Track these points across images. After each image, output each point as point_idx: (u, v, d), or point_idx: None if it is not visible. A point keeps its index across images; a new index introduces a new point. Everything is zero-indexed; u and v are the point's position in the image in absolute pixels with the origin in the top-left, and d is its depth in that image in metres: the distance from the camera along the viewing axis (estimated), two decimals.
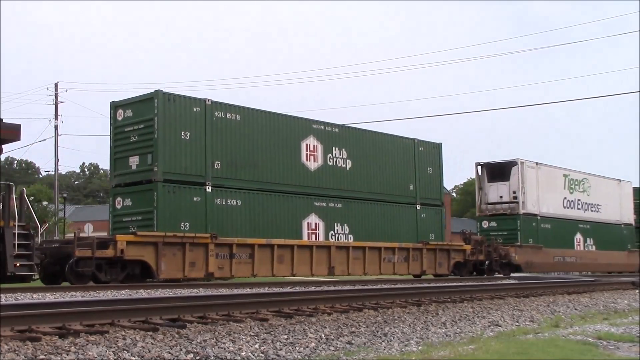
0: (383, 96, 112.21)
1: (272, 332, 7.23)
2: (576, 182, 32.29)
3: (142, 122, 17.74)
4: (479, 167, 30.08)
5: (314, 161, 21.07)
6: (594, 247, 32.63)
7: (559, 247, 30.19)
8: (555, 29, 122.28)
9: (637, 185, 37.89)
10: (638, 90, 73.40)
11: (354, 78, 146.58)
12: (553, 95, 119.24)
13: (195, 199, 17.79)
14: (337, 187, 21.58)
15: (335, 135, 21.94)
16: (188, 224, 17.47)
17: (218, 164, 18.47)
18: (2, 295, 10.95)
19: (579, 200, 32.24)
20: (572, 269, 31.35)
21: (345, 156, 21.97)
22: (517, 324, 9.56)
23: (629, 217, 35.85)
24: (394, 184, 23.55)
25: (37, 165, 79.54)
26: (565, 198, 31.31)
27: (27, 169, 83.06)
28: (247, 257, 18.37)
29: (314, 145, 21.15)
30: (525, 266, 28.06)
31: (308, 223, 20.46)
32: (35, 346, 5.73)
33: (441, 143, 25.80)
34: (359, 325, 8.21)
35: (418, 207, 23.95)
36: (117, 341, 6.15)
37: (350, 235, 21.52)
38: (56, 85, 42.46)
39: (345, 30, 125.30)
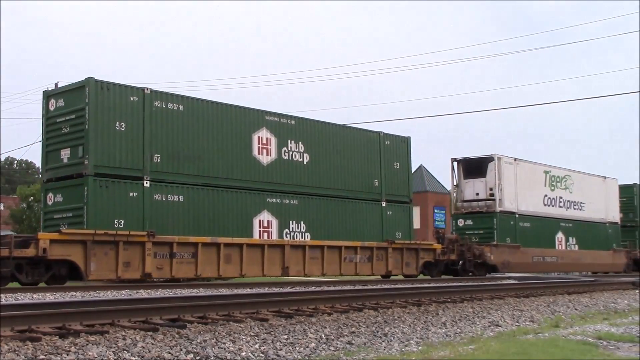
0: (383, 96, 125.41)
1: (272, 332, 8.36)
2: (558, 179, 34.93)
3: (73, 112, 18.60)
4: (455, 163, 32.29)
5: (267, 155, 22.47)
6: (576, 246, 35.45)
7: (539, 246, 32.74)
8: (555, 29, 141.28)
9: (623, 183, 41.43)
10: (638, 90, 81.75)
11: (354, 78, 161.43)
12: (553, 95, 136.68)
13: (131, 194, 18.79)
14: (292, 182, 23.05)
15: (291, 128, 23.38)
16: (123, 222, 18.45)
17: (158, 157, 19.55)
18: (2, 295, 12.11)
19: (560, 197, 34.98)
20: (552, 270, 34.22)
21: (302, 150, 23.48)
22: (517, 324, 11.07)
23: (615, 216, 39.10)
24: (357, 179, 25.24)
25: (37, 166, 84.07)
26: (546, 195, 33.90)
27: (27, 169, 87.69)
28: (189, 257, 19.52)
29: (267, 138, 22.54)
30: (501, 266, 30.34)
31: (260, 220, 21.82)
32: (35, 346, 6.63)
33: (409, 137, 27.75)
34: (359, 325, 9.48)
35: (384, 204, 25.77)
36: (117, 341, 7.11)
37: (307, 234, 23.04)
38: (56, 84, 43.69)
39: (345, 31, 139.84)
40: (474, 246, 29.23)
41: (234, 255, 20.67)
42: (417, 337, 8.93)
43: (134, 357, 6.62)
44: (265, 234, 21.93)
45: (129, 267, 18.28)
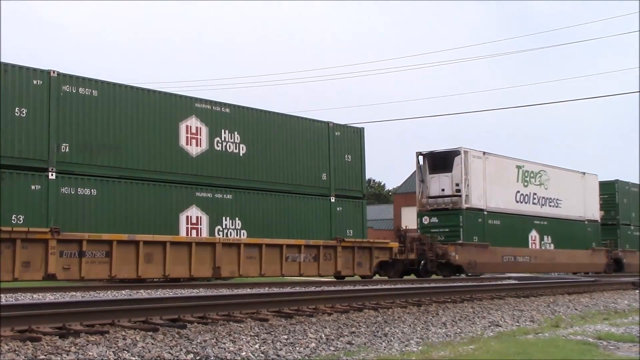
0: (383, 96, 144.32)
1: (272, 332, 9.91)
2: (532, 175, 38.46)
3: None
4: (420, 157, 35.29)
5: (197, 145, 24.17)
6: (552, 245, 39.17)
7: (511, 245, 35.97)
8: (555, 29, 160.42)
9: (604, 180, 46.00)
10: (638, 90, 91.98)
11: (354, 78, 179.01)
12: (553, 95, 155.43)
13: (33, 187, 20.05)
14: (226, 175, 24.87)
15: (225, 116, 25.18)
16: (22, 217, 19.70)
17: (66, 146, 20.90)
18: (2, 295, 13.67)
19: (534, 194, 38.54)
20: (525, 270, 37.35)
21: (238, 140, 25.34)
22: (517, 324, 13.08)
23: (594, 213, 43.27)
24: (302, 172, 27.32)
25: None
26: (518, 192, 37.33)
27: None
28: (102, 256, 20.94)
29: (196, 127, 24.26)
30: (467, 267, 33.23)
31: (187, 217, 23.49)
32: (36, 346, 7.88)
33: (363, 128, 30.21)
34: (359, 326, 11.18)
35: (332, 200, 27.93)
36: (117, 341, 8.47)
37: (243, 231, 24.90)
38: None
39: (344, 31, 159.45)
40: (437, 245, 32.05)
41: (156, 254, 22.17)
42: (417, 337, 10.63)
43: (134, 357, 7.83)
44: (194, 231, 23.54)
45: (29, 268, 19.49)
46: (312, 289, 18.63)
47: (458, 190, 33.87)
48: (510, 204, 36.70)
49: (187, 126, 23.99)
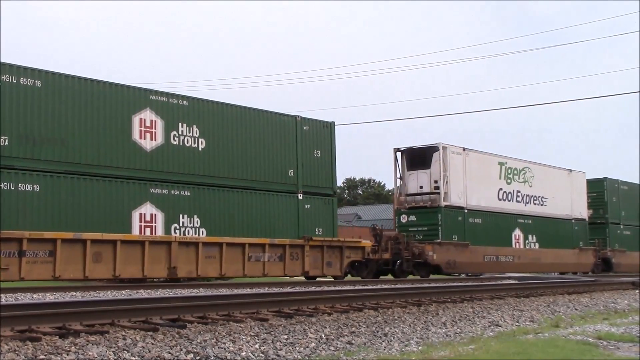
0: (382, 96, 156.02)
1: (272, 332, 10.86)
2: (515, 172, 40.48)
3: None
4: (398, 154, 36.98)
5: (152, 139, 25.26)
6: (536, 244, 41.31)
7: (492, 244, 37.84)
8: (555, 29, 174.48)
9: (593, 177, 48.63)
10: (638, 90, 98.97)
11: (354, 78, 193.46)
12: (553, 95, 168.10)
13: None
14: (183, 170, 26.00)
15: (182, 109, 26.32)
16: None
17: (5, 139, 21.76)
18: (2, 295, 14.68)
19: (518, 192, 40.59)
20: (508, 270, 39.24)
21: (196, 134, 26.50)
22: (517, 324, 14.27)
23: (582, 212, 45.65)
24: (267, 168, 28.59)
25: None
26: (501, 189, 39.31)
27: None
28: (45, 255, 21.83)
29: (151, 120, 25.32)
30: (445, 266, 34.87)
31: (141, 214, 24.55)
32: (36, 346, 8.66)
33: (333, 122, 31.58)
34: (359, 325, 12.23)
35: (300, 197, 29.24)
36: (117, 341, 9.31)
37: (202, 229, 26.06)
38: None
39: (344, 31, 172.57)
40: (414, 244, 33.62)
41: (106, 253, 23.14)
42: (417, 337, 11.68)
43: (134, 357, 8.60)
44: (148, 229, 24.59)
45: None
46: (312, 289, 20.12)
47: (437, 188, 35.51)
48: (492, 201, 38.52)
49: (140, 119, 24.99)
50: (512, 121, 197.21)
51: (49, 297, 16.03)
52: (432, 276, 34.71)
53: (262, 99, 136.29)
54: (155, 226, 24.90)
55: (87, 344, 9.01)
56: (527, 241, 40.91)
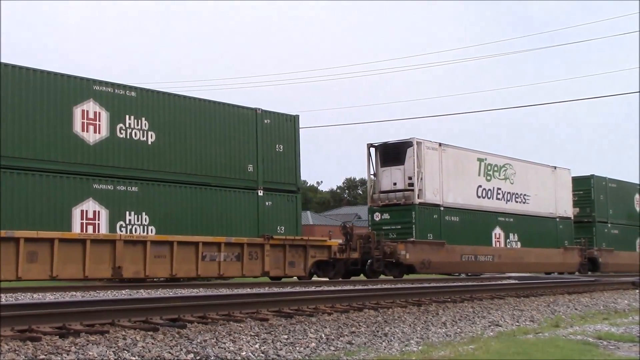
0: (383, 96, 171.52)
1: (272, 332, 11.97)
2: (495, 168, 42.61)
3: None
4: (372, 150, 38.76)
5: (95, 132, 26.40)
6: (518, 243, 43.60)
7: (471, 243, 39.82)
8: (555, 29, 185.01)
9: (580, 175, 51.56)
10: (638, 90, 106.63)
11: (354, 78, 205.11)
12: (553, 95, 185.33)
13: None
14: (131, 165, 27.21)
15: (130, 101, 27.54)
16: None
17: None
18: (2, 295, 15.88)
19: (499, 189, 42.77)
20: (487, 269, 41.40)
21: (146, 127, 27.72)
22: (517, 324, 15.62)
23: (567, 210, 48.15)
24: (223, 163, 29.94)
25: None
26: (480, 186, 41.40)
27: None
28: None
29: (95, 112, 26.46)
30: (420, 266, 36.64)
31: (82, 211, 25.69)
32: (36, 346, 9.56)
33: (297, 115, 33.06)
34: (359, 325, 13.44)
35: (260, 193, 30.68)
36: (118, 341, 10.30)
37: (151, 227, 27.35)
38: None
39: (344, 31, 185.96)
40: (385, 243, 35.22)
41: (42, 253, 24.11)
42: (417, 337, 12.89)
43: (134, 357, 9.50)
44: (90, 227, 25.72)
45: None
46: (312, 289, 21.66)
47: (411, 184, 37.30)
48: (470, 199, 40.54)
49: (83, 111, 26.08)
50: (512, 121, 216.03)
51: (49, 297, 17.42)
52: (405, 276, 36.74)
53: (263, 99, 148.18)
54: (98, 224, 25.99)
55: (87, 344, 10.02)
56: (508, 240, 43.03)
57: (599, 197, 52.67)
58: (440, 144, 39.06)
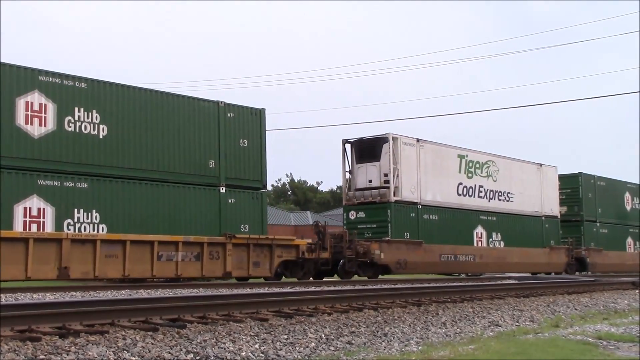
0: (383, 96, 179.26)
1: (272, 332, 13.08)
2: (477, 165, 44.44)
3: None
4: (347, 145, 40.40)
5: (41, 125, 27.28)
6: (501, 243, 45.54)
7: (451, 242, 41.57)
8: (555, 29, 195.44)
9: (567, 172, 54.26)
10: (638, 90, 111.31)
11: (354, 78, 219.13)
12: (553, 95, 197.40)
13: None
14: (80, 160, 28.13)
15: (80, 92, 28.47)
16: None
17: None
18: (2, 295, 17.06)
19: (481, 186, 44.69)
20: (468, 270, 43.48)
21: (97, 120, 28.68)
22: (517, 324, 16.96)
23: (553, 208, 50.25)
24: (182, 159, 31.07)
25: None
26: (460, 184, 43.23)
27: None
28: None
29: (40, 104, 27.36)
30: (395, 267, 38.24)
31: (26, 208, 26.56)
32: (35, 346, 10.48)
33: (264, 109, 34.21)
34: (359, 325, 14.63)
35: (222, 190, 31.87)
36: (117, 341, 11.28)
37: (102, 225, 28.32)
38: None
39: (344, 31, 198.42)
40: (358, 242, 36.75)
41: None
42: (417, 337, 14.09)
43: (134, 357, 10.44)
44: (35, 226, 26.58)
45: None
46: (312, 289, 23.28)
47: (386, 182, 38.90)
48: (450, 197, 42.33)
49: (27, 102, 26.97)
50: (511, 121, 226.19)
51: (49, 297, 18.71)
52: (381, 276, 38.50)
53: (261, 99, 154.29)
54: (43, 222, 26.86)
55: (87, 344, 10.99)
56: (490, 239, 44.86)
57: (587, 196, 54.96)
58: (418, 140, 40.63)
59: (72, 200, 27.69)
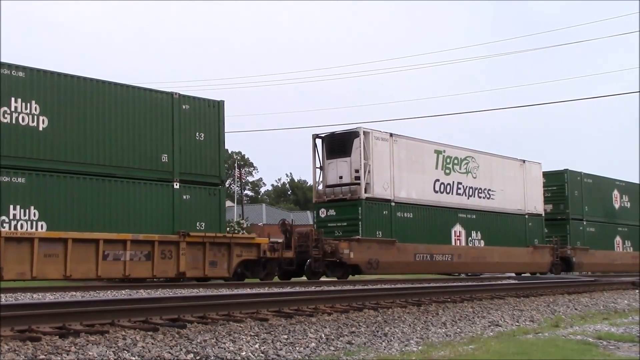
0: (383, 97, 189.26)
1: (272, 332, 14.38)
2: (456, 161, 46.55)
3: None
4: (318, 141, 42.22)
5: None
6: (481, 242, 47.75)
7: (427, 241, 43.53)
8: (555, 29, 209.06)
9: (553, 169, 56.91)
10: (638, 90, 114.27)
11: (354, 78, 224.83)
12: (553, 95, 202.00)
13: None
14: (17, 154, 29.28)
15: (17, 82, 29.62)
16: None
17: None
18: (2, 295, 18.48)
19: (459, 183, 46.87)
20: (445, 270, 45.71)
21: (36, 111, 29.89)
22: (517, 324, 18.49)
23: (537, 206, 52.66)
24: (132, 152, 32.43)
25: None
26: (437, 180, 45.32)
27: None
28: None
29: None
30: (366, 267, 39.99)
31: None
32: (36, 346, 11.49)
33: (223, 101, 35.64)
34: (359, 325, 16.03)
35: (176, 186, 33.24)
36: (117, 341, 12.43)
37: (41, 223, 29.46)
38: None
39: (344, 31, 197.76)
40: (326, 241, 38.51)
41: None
42: (417, 337, 15.51)
43: (134, 357, 11.47)
44: None
45: None
46: (312, 289, 25.08)
47: (357, 178, 40.67)
48: (426, 194, 44.35)
49: None
50: (510, 121, 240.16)
51: (49, 297, 20.20)
52: (350, 277, 40.32)
53: (261, 99, 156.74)
54: None
55: (87, 344, 12.11)
56: (470, 238, 47.06)
57: (573, 193, 57.54)
58: (391, 134, 42.50)
59: (8, 196, 28.68)
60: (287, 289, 25.82)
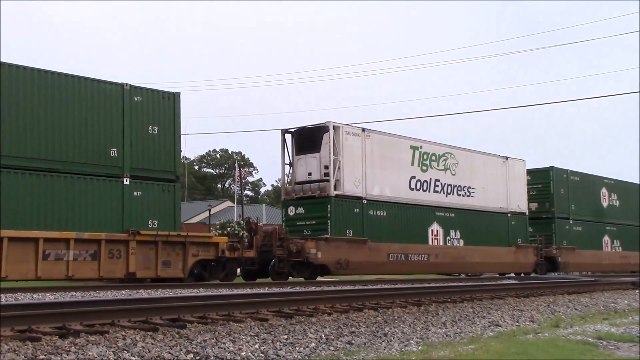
0: (383, 96, 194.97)
1: (272, 332, 15.76)
2: (433, 158, 48.76)
3: None
4: (287, 136, 44.11)
5: None
6: (460, 241, 50.03)
7: (401, 241, 45.55)
8: (555, 29, 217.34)
9: (538, 167, 59.67)
10: (638, 90, 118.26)
11: (354, 78, 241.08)
12: (553, 95, 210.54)
13: None
14: None
15: None
16: None
17: None
18: (2, 295, 19.92)
19: (437, 180, 49.14)
20: (421, 270, 47.60)
21: None
22: (517, 324, 20.06)
23: (521, 205, 55.12)
24: (77, 146, 33.88)
25: None
26: (413, 177, 47.60)
27: None
28: None
29: None
30: (335, 267, 41.83)
31: None
32: (35, 346, 12.69)
33: (179, 93, 36.98)
34: (359, 325, 17.48)
35: (126, 182, 34.74)
36: (117, 341, 13.71)
37: None
38: None
39: (344, 31, 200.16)
40: (291, 240, 40.19)
41: None
42: (417, 337, 17.02)
43: (134, 357, 12.63)
44: None
45: None
46: (312, 289, 26.72)
47: (327, 174, 42.48)
48: (401, 191, 46.44)
49: None
50: (510, 121, 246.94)
51: (49, 297, 21.74)
52: (319, 278, 42.29)
53: (261, 99, 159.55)
54: None
55: (87, 344, 13.29)
56: (448, 237, 49.25)
57: (559, 191, 60.33)
58: (363, 129, 44.37)
59: None
60: (287, 289, 27.60)
